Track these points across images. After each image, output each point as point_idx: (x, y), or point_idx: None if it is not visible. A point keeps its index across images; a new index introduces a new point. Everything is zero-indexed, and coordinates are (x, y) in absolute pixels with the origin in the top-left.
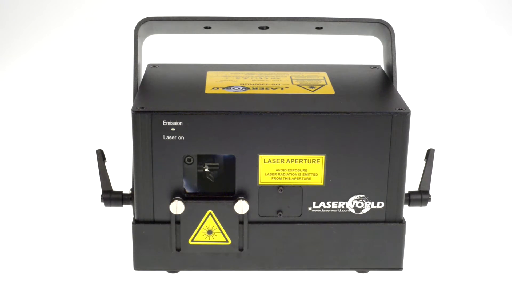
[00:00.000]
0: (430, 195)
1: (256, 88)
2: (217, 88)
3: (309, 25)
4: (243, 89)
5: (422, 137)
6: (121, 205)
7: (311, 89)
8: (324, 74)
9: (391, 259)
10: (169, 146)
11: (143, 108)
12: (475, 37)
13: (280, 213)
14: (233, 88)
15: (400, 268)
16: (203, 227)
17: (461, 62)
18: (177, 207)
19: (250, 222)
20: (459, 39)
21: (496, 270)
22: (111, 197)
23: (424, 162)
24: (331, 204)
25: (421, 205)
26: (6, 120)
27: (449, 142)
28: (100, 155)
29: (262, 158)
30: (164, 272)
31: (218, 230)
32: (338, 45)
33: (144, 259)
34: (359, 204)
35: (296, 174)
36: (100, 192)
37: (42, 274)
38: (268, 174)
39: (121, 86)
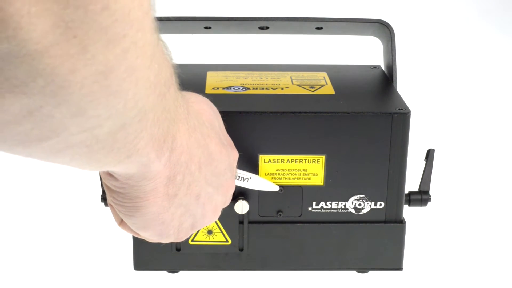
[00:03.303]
0: (430, 195)
1: (256, 88)
2: (217, 88)
3: (309, 25)
4: (243, 89)
5: (422, 137)
6: None
7: (311, 89)
8: (324, 74)
9: (391, 259)
10: None
11: None
12: (475, 37)
13: (280, 213)
14: (233, 88)
15: (400, 268)
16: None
17: (461, 62)
18: None
19: (250, 222)
20: (458, 39)
21: (496, 270)
22: None
23: (424, 162)
24: (331, 204)
25: (421, 205)
26: None
27: (449, 142)
28: None
29: (262, 158)
30: (164, 272)
31: (218, 230)
32: (338, 45)
33: (144, 259)
34: (359, 204)
35: (296, 174)
36: (100, 192)
37: (42, 274)
38: (268, 174)
39: None
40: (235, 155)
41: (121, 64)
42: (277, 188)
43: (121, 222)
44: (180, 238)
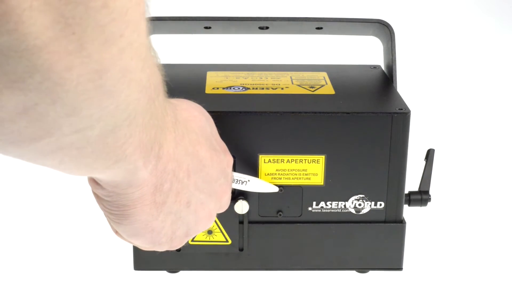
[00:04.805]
0: (430, 195)
1: (256, 88)
2: (217, 88)
3: (309, 25)
4: (243, 89)
5: (422, 137)
6: None
7: (311, 89)
8: (324, 74)
9: (391, 259)
10: None
11: None
12: (475, 37)
13: (280, 213)
14: (233, 88)
15: (400, 268)
16: None
17: (461, 62)
18: None
19: (250, 222)
20: (459, 39)
21: (496, 270)
22: None
23: (424, 162)
24: (331, 204)
25: (421, 205)
26: None
27: (449, 142)
28: None
29: (262, 158)
30: (164, 272)
31: (218, 230)
32: (338, 45)
33: (144, 259)
34: (359, 204)
35: (296, 174)
36: None
37: (42, 274)
38: (268, 174)
39: None
40: (229, 160)
41: (116, 64)
42: (276, 189)
43: (117, 231)
44: (174, 247)
